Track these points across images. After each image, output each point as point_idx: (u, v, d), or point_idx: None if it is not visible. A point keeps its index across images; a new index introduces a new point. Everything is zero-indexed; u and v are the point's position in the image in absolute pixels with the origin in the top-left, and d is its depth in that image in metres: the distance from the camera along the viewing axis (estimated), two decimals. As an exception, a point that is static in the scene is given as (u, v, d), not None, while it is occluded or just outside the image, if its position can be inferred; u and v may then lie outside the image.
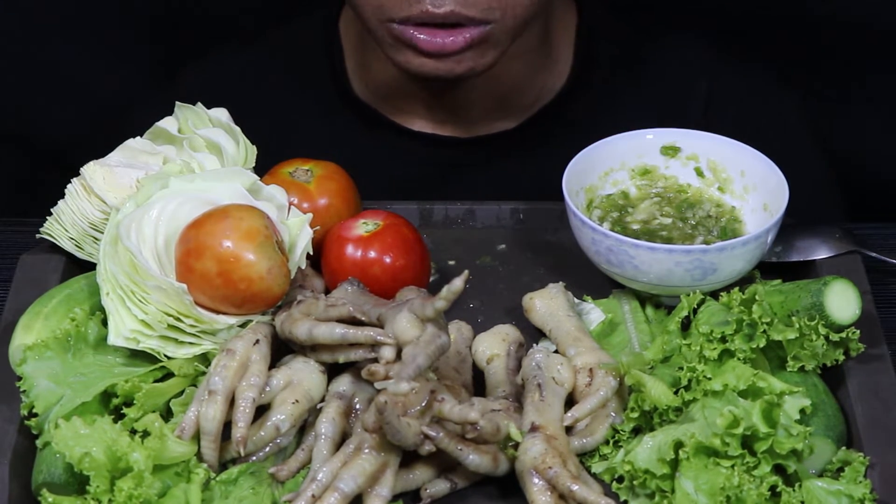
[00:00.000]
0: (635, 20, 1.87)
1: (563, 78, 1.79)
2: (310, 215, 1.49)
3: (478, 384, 1.43)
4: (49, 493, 1.29)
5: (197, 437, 1.34)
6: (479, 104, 1.77)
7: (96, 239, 1.50)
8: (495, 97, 1.77)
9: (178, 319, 1.39)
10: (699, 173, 1.58)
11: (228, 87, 1.82)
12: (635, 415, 1.37)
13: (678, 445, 1.31)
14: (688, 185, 1.59)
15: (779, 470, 1.32)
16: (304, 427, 1.38)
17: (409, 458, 1.33)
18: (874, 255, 1.56)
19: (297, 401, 1.37)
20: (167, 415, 1.38)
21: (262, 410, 1.37)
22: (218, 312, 1.41)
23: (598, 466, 1.36)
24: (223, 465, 1.36)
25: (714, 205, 1.57)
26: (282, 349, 1.42)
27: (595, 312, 1.50)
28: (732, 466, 1.29)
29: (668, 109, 1.71)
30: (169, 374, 1.40)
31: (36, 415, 1.36)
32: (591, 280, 1.54)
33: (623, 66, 1.82)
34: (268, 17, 1.98)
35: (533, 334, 1.50)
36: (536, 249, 1.60)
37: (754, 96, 1.85)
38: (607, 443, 1.37)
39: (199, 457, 1.34)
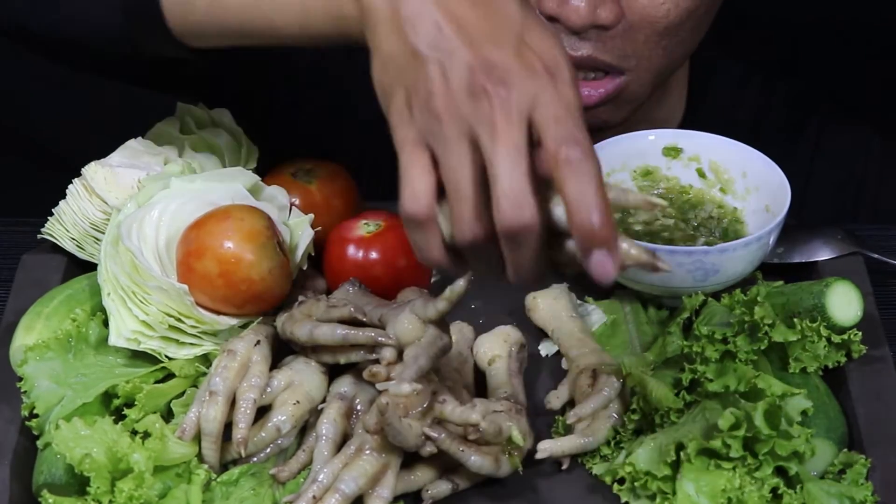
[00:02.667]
0: (748, 57, 1.85)
1: (678, 117, 1.78)
2: (311, 216, 1.49)
3: (479, 385, 1.43)
4: (50, 494, 1.29)
5: (198, 437, 1.34)
6: None
7: (97, 239, 1.50)
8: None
9: (179, 320, 1.39)
10: (701, 174, 1.58)
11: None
12: (636, 416, 1.36)
13: (679, 447, 1.31)
14: (689, 187, 1.58)
15: (780, 472, 1.31)
16: (305, 428, 1.38)
17: (410, 459, 1.33)
18: (876, 256, 1.56)
19: (298, 402, 1.37)
20: (168, 416, 1.38)
21: (263, 411, 1.37)
22: (219, 313, 1.41)
23: (599, 468, 1.36)
24: (224, 466, 1.35)
25: (716, 206, 1.57)
26: (283, 350, 1.42)
27: (597, 314, 1.50)
28: (734, 468, 1.29)
29: (775, 151, 1.68)
30: (170, 375, 1.40)
31: (37, 415, 1.36)
32: (592, 281, 1.53)
33: (735, 104, 1.81)
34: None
35: (535, 335, 1.49)
36: (538, 250, 1.60)
37: (857, 143, 1.85)
38: (608, 444, 1.37)
39: (200, 458, 1.34)
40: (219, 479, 1.33)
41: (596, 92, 1.59)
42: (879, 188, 1.83)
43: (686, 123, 1.78)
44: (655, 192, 1.58)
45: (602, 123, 1.62)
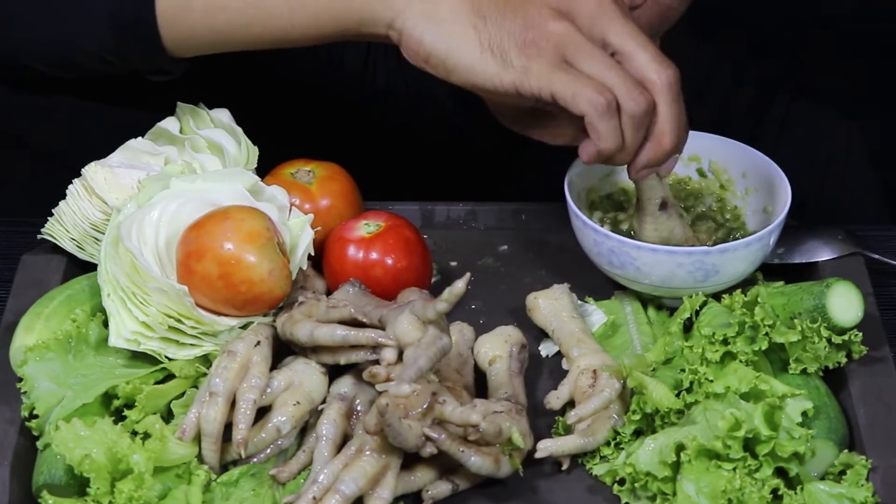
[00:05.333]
0: (716, 42, 1.87)
1: None
2: (311, 216, 1.49)
3: (480, 386, 1.43)
4: (49, 495, 1.29)
5: (198, 438, 1.34)
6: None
7: (97, 240, 1.50)
8: None
9: (179, 321, 1.39)
10: (701, 174, 1.58)
11: None
12: (637, 417, 1.36)
13: (680, 448, 1.31)
14: (689, 179, 1.58)
15: (780, 473, 1.31)
16: (305, 429, 1.38)
17: (410, 459, 1.33)
18: (877, 256, 1.56)
19: (298, 402, 1.37)
20: (168, 416, 1.38)
21: (263, 412, 1.37)
22: (219, 314, 1.41)
23: (599, 468, 1.36)
24: (224, 467, 1.35)
25: (715, 201, 1.57)
26: (283, 351, 1.42)
27: (597, 314, 1.50)
28: (734, 469, 1.29)
29: (743, 132, 1.68)
30: (170, 376, 1.40)
31: (37, 416, 1.36)
32: (592, 281, 1.53)
33: (705, 86, 1.83)
34: None
35: (535, 335, 1.49)
36: (538, 251, 1.60)
37: (824, 121, 1.87)
38: (608, 444, 1.37)
39: (200, 458, 1.34)
40: (219, 480, 1.33)
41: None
42: (844, 170, 1.84)
43: None
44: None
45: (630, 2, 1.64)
